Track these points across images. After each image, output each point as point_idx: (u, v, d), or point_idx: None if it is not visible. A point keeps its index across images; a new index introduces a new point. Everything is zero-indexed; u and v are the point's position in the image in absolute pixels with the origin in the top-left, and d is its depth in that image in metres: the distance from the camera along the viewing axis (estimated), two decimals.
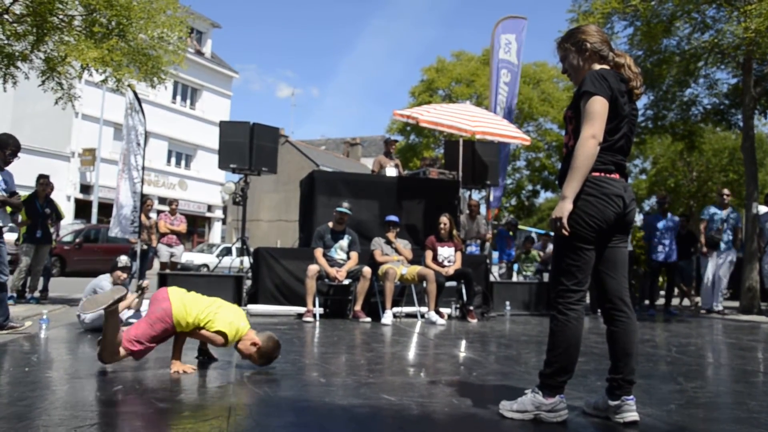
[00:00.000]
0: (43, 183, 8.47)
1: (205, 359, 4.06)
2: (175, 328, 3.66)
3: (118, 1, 7.39)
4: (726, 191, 10.15)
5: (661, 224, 9.97)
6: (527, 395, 2.71)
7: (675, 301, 10.81)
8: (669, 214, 10.19)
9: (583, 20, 9.79)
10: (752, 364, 4.96)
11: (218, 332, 3.65)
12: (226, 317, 3.70)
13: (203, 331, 3.67)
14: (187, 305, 3.68)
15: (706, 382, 3.95)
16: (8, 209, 5.71)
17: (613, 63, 2.79)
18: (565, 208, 2.58)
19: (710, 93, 11.63)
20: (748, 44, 8.87)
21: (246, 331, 3.76)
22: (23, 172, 5.84)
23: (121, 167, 9.00)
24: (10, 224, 6.01)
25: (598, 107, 2.59)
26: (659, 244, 9.93)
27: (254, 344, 3.73)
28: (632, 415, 2.64)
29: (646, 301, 10.19)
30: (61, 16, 7.62)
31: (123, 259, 5.64)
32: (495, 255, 13.15)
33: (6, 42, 7.67)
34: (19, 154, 5.77)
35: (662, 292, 10.93)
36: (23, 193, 6.92)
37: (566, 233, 2.59)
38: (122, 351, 3.59)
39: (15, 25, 7.51)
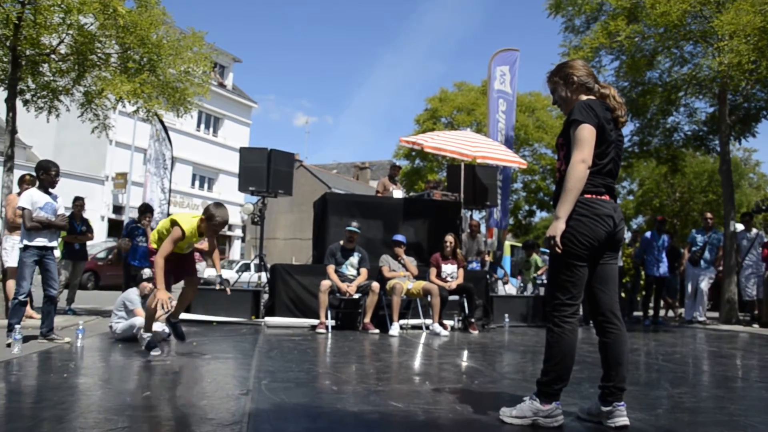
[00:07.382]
0: (79, 204, 8.53)
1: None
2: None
3: (150, 39, 7.52)
4: (709, 215, 10.25)
5: (658, 242, 9.95)
6: (526, 402, 2.69)
7: (660, 313, 10.75)
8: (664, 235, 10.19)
9: (573, 54, 9.89)
10: (732, 370, 4.92)
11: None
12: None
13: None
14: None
15: (690, 388, 3.90)
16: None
17: (599, 94, 2.81)
18: (558, 228, 2.58)
19: (690, 121, 11.66)
20: (723, 77, 8.93)
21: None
22: (63, 194, 5.92)
23: (148, 189, 9.08)
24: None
25: (587, 134, 2.61)
26: (656, 261, 9.88)
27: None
28: (623, 420, 2.62)
29: (636, 313, 10.11)
30: (99, 54, 7.76)
31: (147, 272, 5.65)
32: (504, 271, 12.84)
33: (52, 78, 7.83)
34: (60, 178, 5.83)
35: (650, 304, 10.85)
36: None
37: (559, 251, 2.60)
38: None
39: (60, 63, 7.65)
